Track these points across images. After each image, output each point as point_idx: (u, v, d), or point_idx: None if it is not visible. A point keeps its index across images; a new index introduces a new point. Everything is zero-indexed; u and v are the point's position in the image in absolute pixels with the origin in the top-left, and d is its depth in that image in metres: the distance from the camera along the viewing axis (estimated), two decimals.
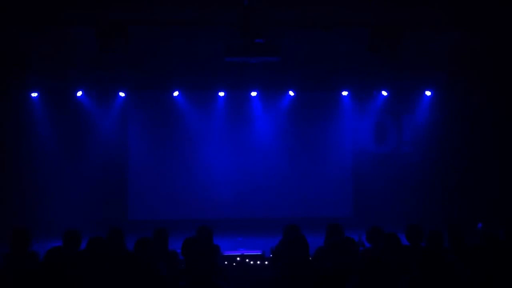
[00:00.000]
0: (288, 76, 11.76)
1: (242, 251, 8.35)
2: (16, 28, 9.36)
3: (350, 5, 8.77)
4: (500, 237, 6.07)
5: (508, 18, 9.21)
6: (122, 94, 12.24)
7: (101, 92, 12.11)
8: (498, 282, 4.93)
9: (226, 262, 7.58)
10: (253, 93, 12.43)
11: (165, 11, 9.00)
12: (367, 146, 12.51)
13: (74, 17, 9.09)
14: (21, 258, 5.71)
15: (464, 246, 5.95)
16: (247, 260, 7.82)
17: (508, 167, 11.72)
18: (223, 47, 9.15)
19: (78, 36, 9.83)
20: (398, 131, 12.59)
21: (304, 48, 10.88)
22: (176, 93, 12.29)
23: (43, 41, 10.10)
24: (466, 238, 6.13)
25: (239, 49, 9.11)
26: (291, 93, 12.39)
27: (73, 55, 11.03)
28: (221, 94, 12.40)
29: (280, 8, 8.83)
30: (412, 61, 11.18)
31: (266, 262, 7.75)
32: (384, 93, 12.34)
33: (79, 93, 11.99)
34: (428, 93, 12.30)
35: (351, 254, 4.94)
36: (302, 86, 12.17)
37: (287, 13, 9.17)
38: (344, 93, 12.47)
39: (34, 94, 11.85)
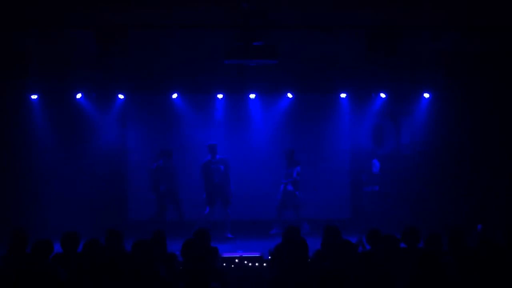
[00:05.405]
0: (287, 78, 11.76)
1: (240, 253, 8.36)
2: (16, 31, 9.37)
3: (348, 6, 8.79)
4: (498, 239, 6.08)
5: (506, 20, 9.23)
6: (121, 96, 12.25)
7: (100, 94, 12.12)
8: (496, 285, 4.94)
9: (224, 264, 7.58)
10: (252, 95, 12.44)
11: (164, 14, 9.02)
12: (365, 148, 12.48)
13: (74, 19, 9.11)
14: (19, 259, 5.71)
15: (463, 248, 5.96)
16: (245, 262, 7.83)
17: (508, 169, 11.72)
18: (222, 49, 9.18)
19: (77, 38, 9.85)
20: (396, 133, 12.59)
21: (303, 50, 10.90)
22: (175, 95, 12.29)
23: (43, 43, 10.11)
24: (466, 240, 6.13)
25: (238, 52, 9.14)
26: (289, 95, 12.39)
27: (73, 58, 11.04)
28: (220, 96, 12.41)
29: (278, 10, 8.85)
30: (410, 63, 11.18)
31: (265, 264, 7.77)
32: (383, 95, 12.33)
33: (79, 95, 11.99)
34: (426, 95, 12.30)
35: (348, 256, 4.96)
36: (301, 88, 12.14)
37: (285, 15, 9.19)
38: (343, 95, 12.45)
39: (34, 97, 11.85)
